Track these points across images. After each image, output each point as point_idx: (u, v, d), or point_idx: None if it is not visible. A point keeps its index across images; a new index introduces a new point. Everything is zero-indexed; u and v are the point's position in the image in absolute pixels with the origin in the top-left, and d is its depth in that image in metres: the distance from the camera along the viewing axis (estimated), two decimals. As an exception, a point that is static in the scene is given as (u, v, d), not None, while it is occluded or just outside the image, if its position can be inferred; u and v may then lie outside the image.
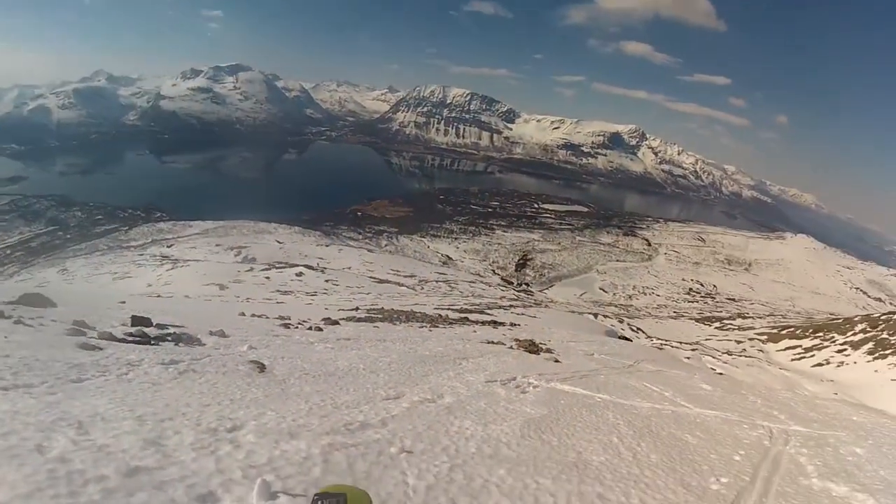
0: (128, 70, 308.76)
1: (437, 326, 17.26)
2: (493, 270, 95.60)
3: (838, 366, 31.34)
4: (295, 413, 4.52)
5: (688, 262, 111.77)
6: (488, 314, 25.94)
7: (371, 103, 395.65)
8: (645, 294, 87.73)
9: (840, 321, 42.03)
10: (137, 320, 8.73)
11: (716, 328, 51.75)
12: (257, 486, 2.85)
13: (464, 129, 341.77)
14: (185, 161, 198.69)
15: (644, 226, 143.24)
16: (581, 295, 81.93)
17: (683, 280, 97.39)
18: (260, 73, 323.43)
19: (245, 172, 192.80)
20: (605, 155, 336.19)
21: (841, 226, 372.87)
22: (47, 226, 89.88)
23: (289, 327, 12.13)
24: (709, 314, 69.04)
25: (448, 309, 26.46)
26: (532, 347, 13.17)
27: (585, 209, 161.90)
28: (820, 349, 35.30)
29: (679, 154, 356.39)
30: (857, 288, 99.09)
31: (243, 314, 14.92)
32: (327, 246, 68.14)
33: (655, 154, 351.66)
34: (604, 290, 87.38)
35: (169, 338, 7.76)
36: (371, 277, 42.90)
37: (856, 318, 40.68)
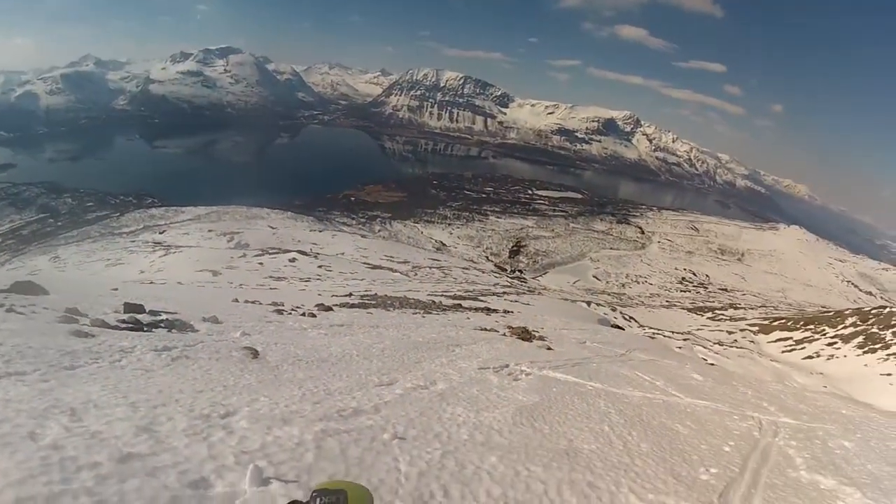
0: (116, 54, 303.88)
1: (431, 313, 17.31)
2: (487, 257, 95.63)
3: (828, 359, 31.56)
4: (288, 399, 4.54)
5: (681, 251, 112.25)
6: (482, 301, 25.99)
7: (364, 86, 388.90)
8: (638, 283, 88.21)
9: (831, 314, 42.31)
10: (130, 307, 8.71)
11: (708, 318, 52.06)
12: (249, 471, 2.86)
13: (457, 113, 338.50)
14: (175, 146, 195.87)
15: (638, 213, 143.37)
16: (574, 282, 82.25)
17: (676, 269, 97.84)
18: (251, 55, 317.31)
19: (237, 157, 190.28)
20: (600, 141, 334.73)
21: (833, 217, 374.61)
22: (38, 213, 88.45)
23: (282, 313, 12.10)
24: (701, 304, 69.39)
25: (441, 295, 26.49)
26: (525, 335, 13.26)
27: (579, 196, 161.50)
28: (811, 342, 35.54)
29: (674, 141, 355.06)
30: (848, 281, 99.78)
31: (236, 300, 14.85)
32: (320, 231, 67.72)
33: (650, 141, 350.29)
34: (597, 278, 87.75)
35: (162, 324, 7.75)
36: (364, 263, 42.76)
37: (847, 312, 40.91)
